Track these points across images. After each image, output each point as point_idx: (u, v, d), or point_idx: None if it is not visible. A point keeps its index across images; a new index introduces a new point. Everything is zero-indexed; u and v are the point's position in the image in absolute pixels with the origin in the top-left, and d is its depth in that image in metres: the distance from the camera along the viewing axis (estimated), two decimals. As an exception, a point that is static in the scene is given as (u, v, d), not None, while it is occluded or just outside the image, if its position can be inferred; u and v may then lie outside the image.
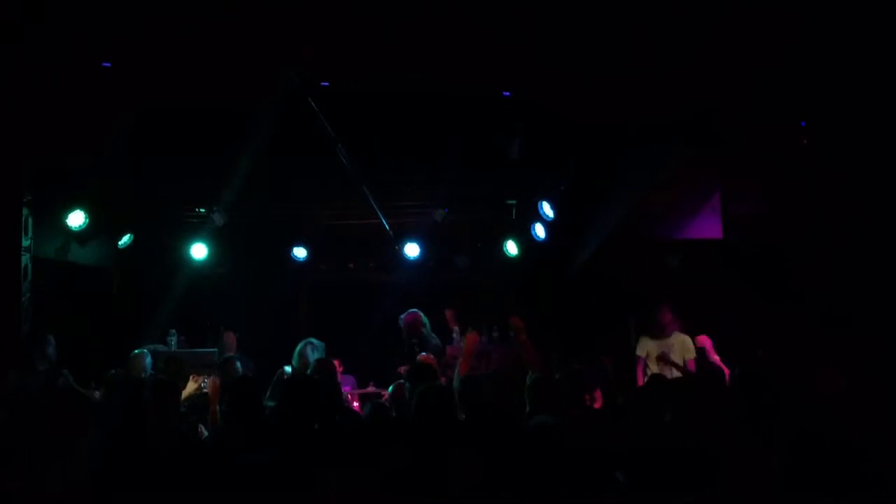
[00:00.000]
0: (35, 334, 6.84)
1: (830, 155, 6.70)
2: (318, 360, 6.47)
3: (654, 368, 7.23)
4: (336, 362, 8.23)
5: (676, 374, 7.11)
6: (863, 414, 4.48)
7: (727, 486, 3.90)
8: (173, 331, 8.68)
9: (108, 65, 5.37)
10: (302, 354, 7.24)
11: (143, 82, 5.72)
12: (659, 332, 7.47)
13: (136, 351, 7.35)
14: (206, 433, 5.82)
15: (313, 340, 7.40)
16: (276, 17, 4.94)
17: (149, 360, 7.37)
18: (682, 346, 7.38)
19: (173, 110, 6.48)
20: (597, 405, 5.60)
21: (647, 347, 7.50)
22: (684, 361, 7.31)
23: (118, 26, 4.97)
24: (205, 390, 6.28)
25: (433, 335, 8.32)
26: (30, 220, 7.10)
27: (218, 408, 5.78)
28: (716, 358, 7.16)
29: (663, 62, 5.37)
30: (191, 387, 6.43)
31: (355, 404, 7.66)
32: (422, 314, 8.27)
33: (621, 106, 6.19)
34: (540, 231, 8.62)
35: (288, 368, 7.30)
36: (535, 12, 4.99)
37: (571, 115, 6.47)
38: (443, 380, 7.64)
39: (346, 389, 8.01)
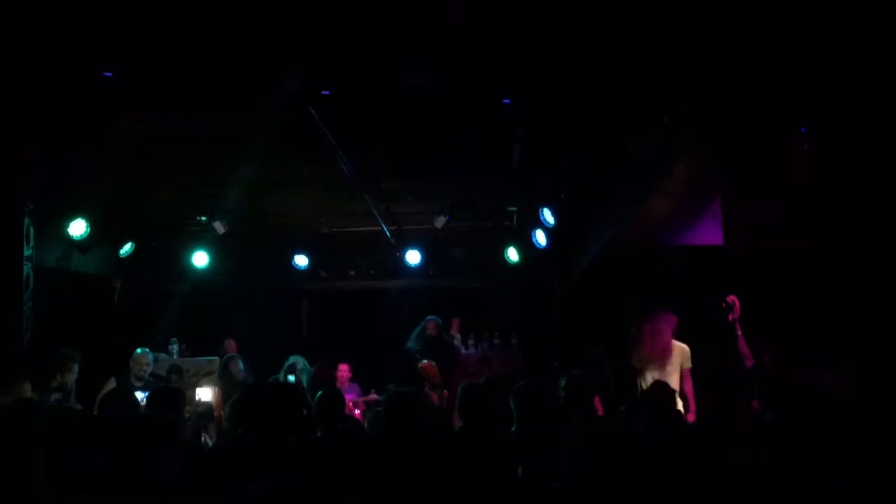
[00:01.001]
0: (60, 356, 6.73)
1: (832, 161, 6.70)
2: (318, 367, 6.48)
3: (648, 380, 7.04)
4: (345, 367, 8.27)
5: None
6: (865, 417, 4.49)
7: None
8: (175, 339, 8.70)
9: (109, 74, 5.38)
10: (290, 372, 7.27)
11: (144, 89, 5.72)
12: (658, 355, 7.09)
13: (139, 350, 7.35)
14: (209, 442, 5.83)
15: (300, 358, 7.43)
16: (277, 22, 4.96)
17: (151, 357, 7.36)
18: (681, 356, 7.22)
19: (175, 117, 6.49)
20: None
21: (644, 367, 7.13)
22: (681, 371, 7.16)
23: (119, 33, 4.99)
24: (201, 399, 6.29)
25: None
26: (31, 230, 7.11)
27: (223, 412, 5.80)
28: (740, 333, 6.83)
29: (662, 69, 5.38)
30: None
31: (357, 412, 7.66)
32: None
33: (622, 114, 6.20)
34: (541, 238, 8.64)
35: (292, 378, 7.31)
36: (536, 17, 5.00)
37: (571, 121, 6.47)
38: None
39: (350, 397, 8.04)
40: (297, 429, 4.62)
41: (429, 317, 8.44)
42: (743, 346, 6.34)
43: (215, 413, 5.79)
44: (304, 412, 4.82)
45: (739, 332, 6.37)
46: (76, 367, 6.68)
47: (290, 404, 4.71)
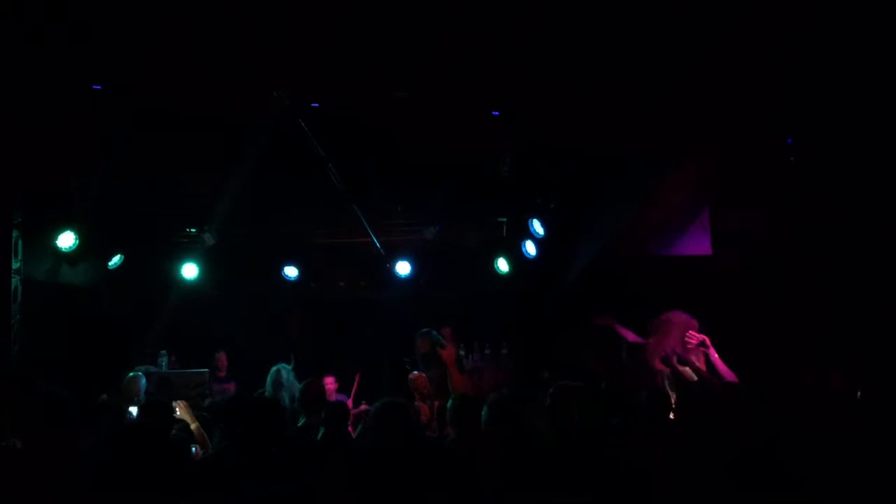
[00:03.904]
0: None
1: (818, 171, 6.75)
2: (307, 382, 6.48)
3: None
4: (331, 379, 8.24)
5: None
6: (856, 423, 4.52)
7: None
8: (164, 351, 8.66)
9: (98, 87, 5.39)
10: (276, 381, 7.25)
11: (134, 104, 5.73)
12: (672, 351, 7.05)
13: (131, 374, 7.32)
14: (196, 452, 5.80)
15: (285, 366, 7.41)
16: (265, 40, 4.98)
17: (144, 382, 7.34)
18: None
19: (164, 130, 6.49)
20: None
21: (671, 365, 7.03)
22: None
23: (110, 51, 5.00)
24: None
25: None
26: (20, 242, 7.09)
27: (198, 425, 5.79)
28: (716, 357, 6.84)
29: (652, 85, 5.42)
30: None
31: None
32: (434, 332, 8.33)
33: (611, 129, 6.24)
34: (531, 248, 8.65)
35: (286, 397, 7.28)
36: (524, 35, 5.04)
37: (561, 138, 6.51)
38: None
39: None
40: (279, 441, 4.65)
41: (420, 331, 8.40)
42: (722, 368, 6.35)
43: (193, 425, 5.74)
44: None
45: (715, 357, 6.38)
46: None
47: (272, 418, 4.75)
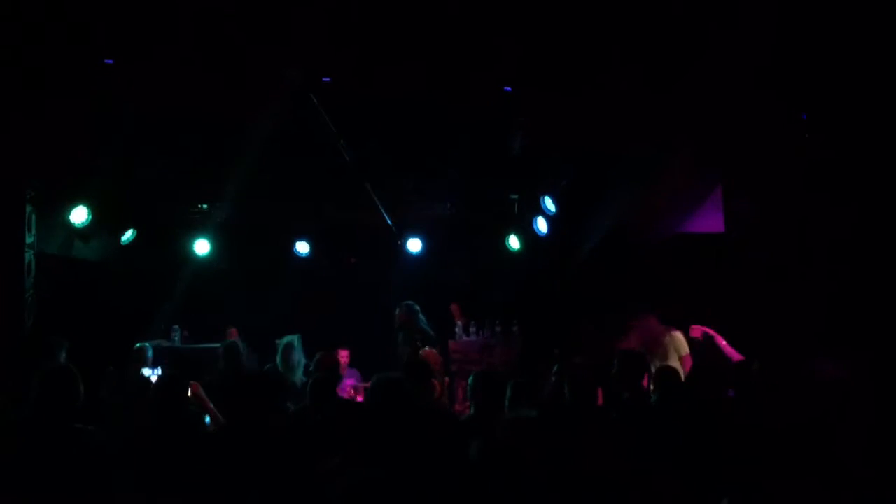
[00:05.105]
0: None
1: (832, 149, 6.70)
2: (321, 355, 6.50)
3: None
4: (345, 353, 8.29)
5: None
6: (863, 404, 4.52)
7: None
8: (176, 326, 8.72)
9: (110, 62, 5.38)
10: (285, 353, 7.28)
11: (145, 81, 5.73)
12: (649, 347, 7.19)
13: (138, 345, 7.38)
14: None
15: (293, 337, 7.44)
16: (276, 15, 4.96)
17: (150, 353, 7.40)
18: (674, 344, 7.21)
19: (176, 107, 6.49)
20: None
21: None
22: (680, 360, 7.15)
23: (120, 28, 4.99)
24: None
25: (428, 328, 8.40)
26: (33, 217, 7.12)
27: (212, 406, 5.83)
28: (723, 343, 7.00)
29: (661, 67, 5.38)
30: None
31: (359, 398, 7.68)
32: (416, 306, 8.34)
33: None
34: (542, 225, 8.64)
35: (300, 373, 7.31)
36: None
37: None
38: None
39: (350, 382, 8.06)
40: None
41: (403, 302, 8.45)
42: (728, 350, 6.40)
43: (205, 406, 5.79)
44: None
45: (723, 343, 6.43)
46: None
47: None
